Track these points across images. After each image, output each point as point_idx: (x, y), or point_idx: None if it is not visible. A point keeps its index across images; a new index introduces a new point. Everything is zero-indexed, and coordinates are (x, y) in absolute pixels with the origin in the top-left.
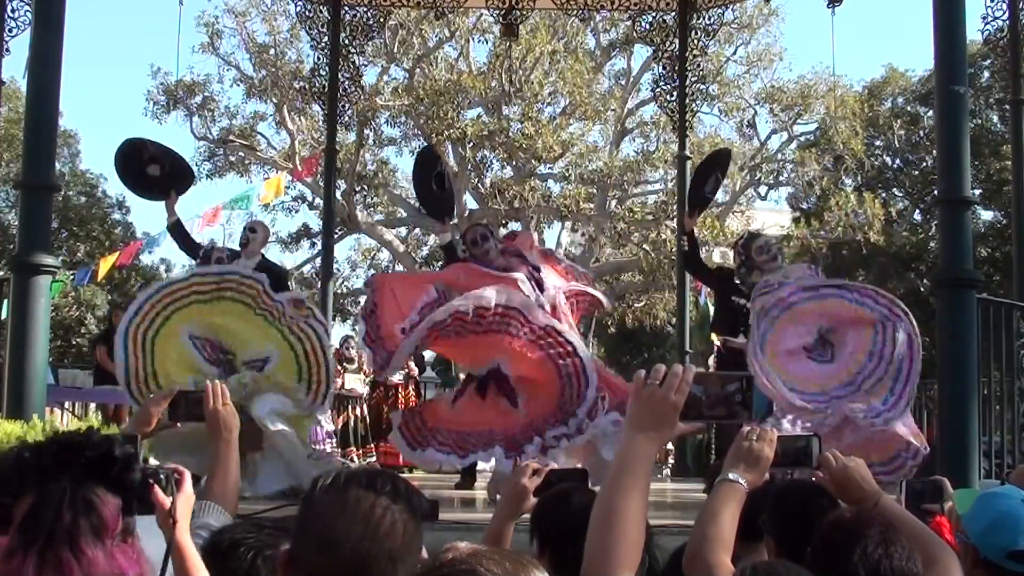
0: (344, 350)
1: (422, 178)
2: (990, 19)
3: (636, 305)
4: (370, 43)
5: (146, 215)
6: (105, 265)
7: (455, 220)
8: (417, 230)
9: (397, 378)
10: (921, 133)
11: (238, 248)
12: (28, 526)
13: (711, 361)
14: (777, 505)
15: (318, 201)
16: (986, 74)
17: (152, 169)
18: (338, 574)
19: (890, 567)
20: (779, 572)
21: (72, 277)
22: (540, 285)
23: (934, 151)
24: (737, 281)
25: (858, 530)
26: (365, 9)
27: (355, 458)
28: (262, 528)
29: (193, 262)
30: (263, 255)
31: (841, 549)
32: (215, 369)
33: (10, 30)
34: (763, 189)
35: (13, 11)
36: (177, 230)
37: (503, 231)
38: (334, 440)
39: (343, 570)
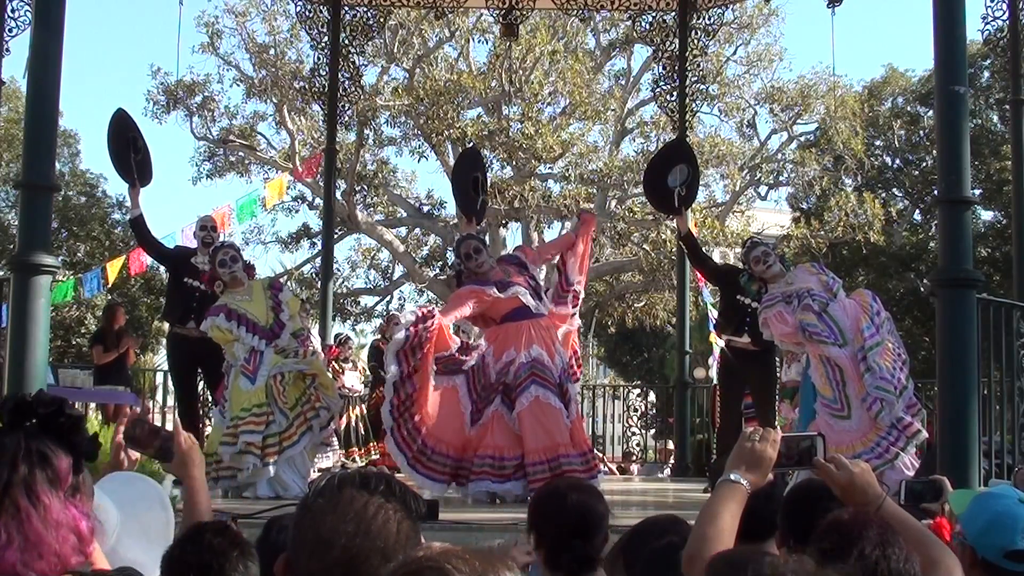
0: (342, 349)
1: (461, 175)
2: (990, 19)
3: (636, 305)
4: (370, 43)
5: (146, 215)
6: (113, 270)
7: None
8: (417, 230)
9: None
10: (921, 133)
11: (194, 246)
12: None
13: (711, 362)
14: (788, 504)
15: (318, 201)
16: (986, 74)
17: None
18: (331, 574)
19: (888, 568)
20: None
21: (79, 281)
22: (539, 293)
23: (934, 151)
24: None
25: (856, 531)
26: (365, 9)
27: (357, 458)
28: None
29: (149, 258)
30: None
31: (838, 550)
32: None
33: (10, 30)
34: (763, 189)
35: (13, 11)
36: (140, 224)
37: (503, 231)
38: (336, 440)
39: (336, 569)
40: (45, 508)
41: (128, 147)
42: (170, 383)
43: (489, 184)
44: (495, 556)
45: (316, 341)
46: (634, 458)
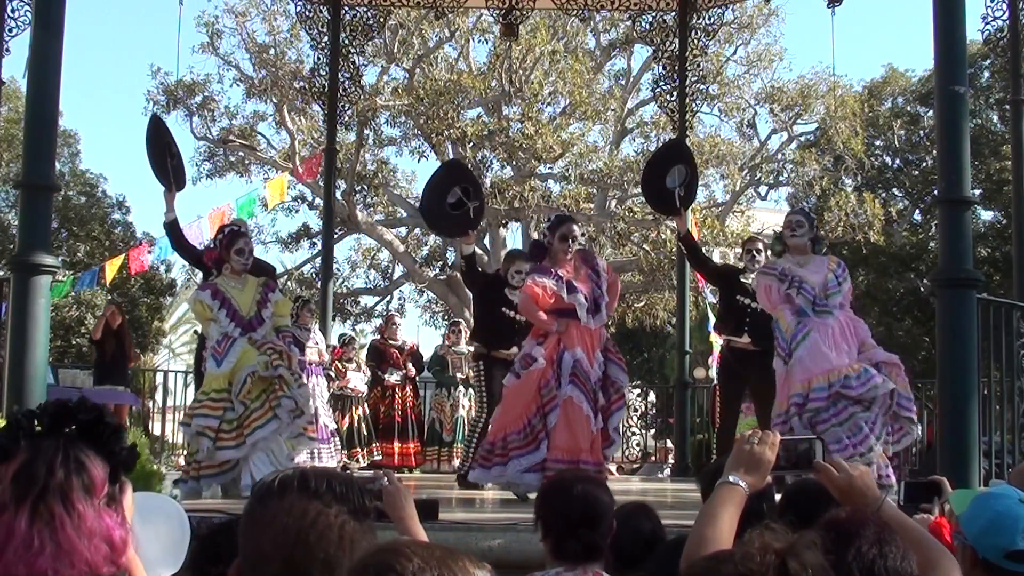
0: (346, 350)
1: (439, 193)
2: (990, 19)
3: (636, 305)
4: (370, 43)
5: (146, 215)
6: (112, 269)
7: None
8: (417, 230)
9: (395, 378)
10: (921, 133)
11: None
12: (21, 480)
13: (710, 362)
14: (784, 505)
15: (318, 201)
16: (986, 74)
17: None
18: None
19: (884, 567)
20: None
21: (74, 279)
22: (598, 306)
23: (934, 151)
24: (743, 280)
25: (853, 530)
26: (365, 9)
27: (360, 458)
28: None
29: (183, 261)
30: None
31: (835, 548)
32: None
33: (10, 30)
34: (763, 189)
35: (13, 11)
36: (175, 228)
37: (503, 231)
38: (337, 440)
39: None
40: (79, 516)
41: (165, 152)
42: (170, 383)
43: (489, 184)
44: (461, 553)
45: (321, 344)
46: (651, 458)
